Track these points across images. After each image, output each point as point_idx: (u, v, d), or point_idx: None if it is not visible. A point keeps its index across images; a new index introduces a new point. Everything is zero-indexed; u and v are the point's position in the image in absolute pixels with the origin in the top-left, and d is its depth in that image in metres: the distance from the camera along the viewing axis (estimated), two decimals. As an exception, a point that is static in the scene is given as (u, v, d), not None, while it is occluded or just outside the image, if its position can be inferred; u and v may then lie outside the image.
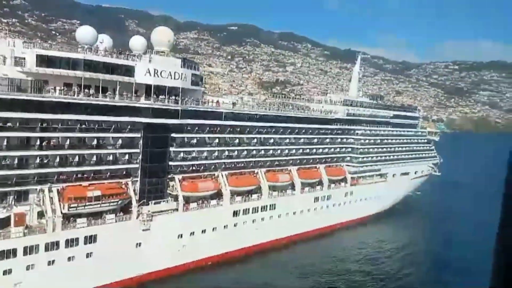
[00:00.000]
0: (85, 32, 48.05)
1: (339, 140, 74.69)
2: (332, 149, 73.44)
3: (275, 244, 61.19)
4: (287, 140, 65.47)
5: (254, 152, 61.01)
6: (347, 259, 61.03)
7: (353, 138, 76.67)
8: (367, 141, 78.59)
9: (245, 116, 59.41)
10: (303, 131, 67.44)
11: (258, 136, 61.04)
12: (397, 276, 56.15)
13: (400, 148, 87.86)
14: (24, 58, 41.51)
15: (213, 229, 53.95)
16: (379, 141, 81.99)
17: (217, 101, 57.21)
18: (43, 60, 40.86)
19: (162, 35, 50.93)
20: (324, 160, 71.74)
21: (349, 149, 76.08)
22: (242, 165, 59.82)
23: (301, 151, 67.72)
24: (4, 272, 36.88)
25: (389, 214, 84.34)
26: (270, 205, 60.80)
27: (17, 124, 38.73)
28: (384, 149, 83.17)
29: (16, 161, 39.32)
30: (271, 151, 63.26)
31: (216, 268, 52.93)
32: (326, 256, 60.78)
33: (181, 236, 50.79)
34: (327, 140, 72.27)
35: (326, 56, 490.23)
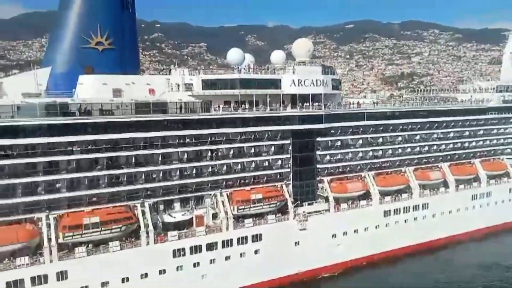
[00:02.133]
0: (234, 54, 54.38)
1: (495, 131, 68.03)
2: (488, 141, 67.21)
3: (431, 245, 58.65)
4: (435, 135, 62.45)
5: (400, 150, 59.82)
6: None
7: (512, 128, 68.97)
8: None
9: (387, 114, 58.96)
10: (452, 124, 63.49)
11: (403, 133, 59.72)
12: None
13: None
14: (192, 84, 49.12)
15: (365, 229, 54.56)
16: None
17: (358, 102, 58.07)
18: (207, 84, 47.88)
19: (302, 46, 54.44)
20: (479, 154, 66.17)
21: (509, 140, 68.53)
22: (388, 164, 59.22)
23: (451, 146, 63.78)
24: (194, 265, 43.68)
25: None
26: (422, 205, 58.65)
27: (193, 139, 45.77)
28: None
29: (194, 171, 46.37)
30: (418, 148, 61.15)
31: (372, 267, 53.35)
32: (492, 259, 55.81)
33: (335, 236, 52.67)
34: (481, 131, 66.53)
35: (458, 39, 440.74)
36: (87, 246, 39.29)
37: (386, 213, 56.34)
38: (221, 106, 47.64)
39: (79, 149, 39.81)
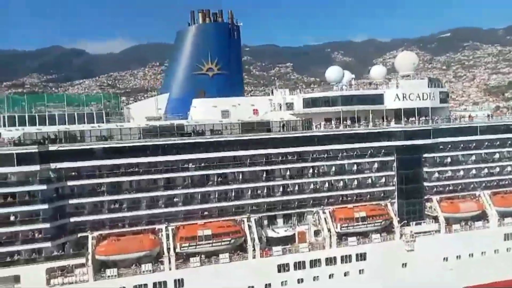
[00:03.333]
0: (333, 72, 54.91)
1: None
2: None
3: None
4: None
5: (521, 166, 53.91)
6: None
7: None
8: None
9: (502, 128, 53.83)
10: None
11: (524, 148, 53.83)
12: None
13: None
14: (292, 103, 50.70)
15: (482, 253, 49.86)
16: None
17: (469, 115, 54.07)
18: (308, 102, 49.05)
19: (406, 59, 52.78)
20: None
21: None
22: (507, 182, 53.68)
23: None
24: (298, 281, 44.24)
25: None
26: (552, 227, 51.75)
27: (295, 157, 46.92)
28: None
29: (296, 188, 47.31)
30: (544, 164, 54.43)
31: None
32: None
33: (447, 259, 49.02)
34: None
35: None
36: (200, 257, 42.35)
37: (508, 237, 50.85)
38: (322, 123, 48.24)
39: (193, 166, 43.55)
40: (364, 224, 46.85)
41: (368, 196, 49.27)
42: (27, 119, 40.99)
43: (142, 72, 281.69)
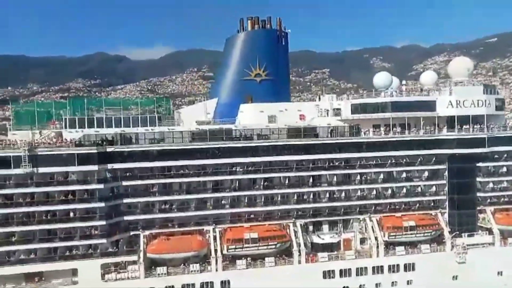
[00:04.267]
0: (381, 77, 53.65)
1: None
2: None
3: None
4: None
5: None
6: None
7: None
8: None
9: None
10: None
11: None
12: None
13: None
14: (340, 109, 50.32)
15: (540, 269, 47.04)
16: None
17: (527, 124, 51.35)
18: (356, 108, 48.45)
19: (461, 65, 50.89)
20: None
21: None
22: None
23: None
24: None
25: None
26: None
27: (342, 163, 46.54)
28: None
29: (343, 195, 46.91)
30: None
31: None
32: None
33: (501, 274, 46.70)
34: None
35: None
36: (246, 260, 42.84)
37: None
38: (370, 130, 47.57)
39: (241, 169, 44.27)
40: (413, 234, 45.62)
41: (417, 205, 47.96)
42: (86, 121, 43.29)
43: (180, 77, 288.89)
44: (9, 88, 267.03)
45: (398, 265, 44.76)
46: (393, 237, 45.40)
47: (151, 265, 41.83)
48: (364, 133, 47.21)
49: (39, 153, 39.05)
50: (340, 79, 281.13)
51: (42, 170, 39.19)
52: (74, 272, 40.28)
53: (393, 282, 44.57)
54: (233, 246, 42.38)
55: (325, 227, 47.47)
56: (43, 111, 45.44)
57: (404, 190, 47.94)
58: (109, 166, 41.14)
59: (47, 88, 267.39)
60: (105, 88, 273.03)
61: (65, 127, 43.13)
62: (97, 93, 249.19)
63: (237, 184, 44.50)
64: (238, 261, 42.33)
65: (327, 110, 50.32)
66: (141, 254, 41.08)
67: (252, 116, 48.77)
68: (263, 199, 45.10)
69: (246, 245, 42.41)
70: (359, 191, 47.15)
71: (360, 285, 44.02)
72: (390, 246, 45.69)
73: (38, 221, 39.71)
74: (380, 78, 53.45)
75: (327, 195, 46.69)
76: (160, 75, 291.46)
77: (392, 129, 47.34)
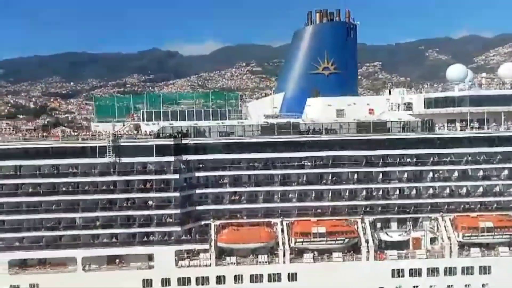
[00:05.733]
0: (456, 70, 51.13)
1: None
2: None
3: None
4: None
5: None
6: None
7: None
8: None
9: None
10: None
11: None
12: None
13: None
14: (411, 103, 48.61)
15: None
16: None
17: None
18: (430, 102, 46.61)
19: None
20: None
21: None
22: None
23: None
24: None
25: None
26: None
27: (413, 159, 45.04)
28: None
29: (413, 192, 45.50)
30: None
31: None
32: None
33: None
34: None
35: None
36: (313, 253, 43.03)
37: None
38: (445, 125, 45.57)
39: (309, 164, 44.36)
40: (491, 235, 43.27)
41: (495, 205, 45.40)
42: (161, 114, 45.50)
43: (229, 72, 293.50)
44: (71, 83, 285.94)
45: (472, 267, 42.75)
46: (468, 237, 43.38)
47: (220, 254, 43.38)
48: (439, 129, 45.29)
49: (122, 144, 41.70)
50: (393, 73, 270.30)
51: (124, 160, 41.81)
52: (150, 257, 42.78)
53: (466, 285, 42.72)
54: (301, 239, 42.74)
55: (394, 225, 46.34)
56: (122, 105, 48.37)
57: (481, 189, 45.58)
58: (184, 157, 42.99)
59: (105, 83, 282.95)
60: (158, 83, 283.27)
61: (143, 120, 45.61)
62: (150, 88, 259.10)
63: (304, 178, 44.69)
64: (305, 255, 42.65)
65: (398, 104, 48.84)
66: (212, 243, 42.70)
67: (319, 110, 48.56)
68: (330, 194, 44.89)
69: (314, 239, 42.60)
70: (431, 189, 45.48)
71: (431, 286, 42.66)
72: (464, 247, 43.81)
73: (119, 208, 42.56)
74: (454, 71, 50.94)
75: (397, 191, 45.48)
76: (210, 70, 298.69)
77: (470, 125, 45.00)
